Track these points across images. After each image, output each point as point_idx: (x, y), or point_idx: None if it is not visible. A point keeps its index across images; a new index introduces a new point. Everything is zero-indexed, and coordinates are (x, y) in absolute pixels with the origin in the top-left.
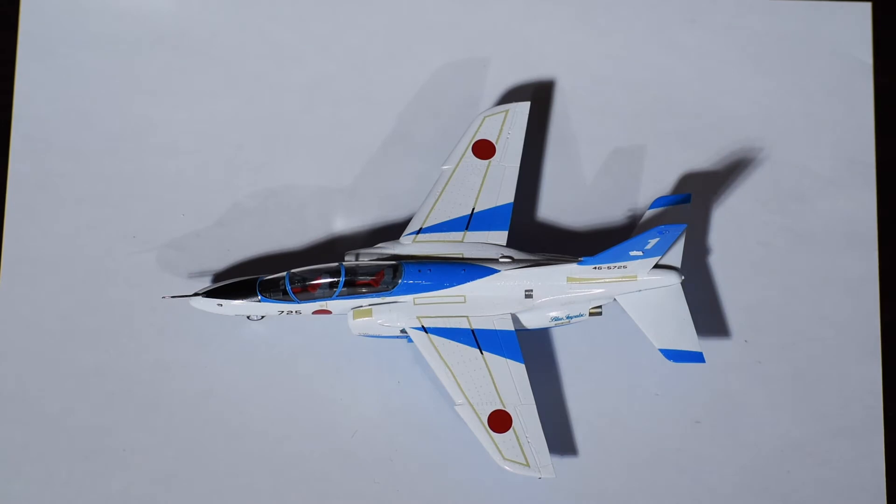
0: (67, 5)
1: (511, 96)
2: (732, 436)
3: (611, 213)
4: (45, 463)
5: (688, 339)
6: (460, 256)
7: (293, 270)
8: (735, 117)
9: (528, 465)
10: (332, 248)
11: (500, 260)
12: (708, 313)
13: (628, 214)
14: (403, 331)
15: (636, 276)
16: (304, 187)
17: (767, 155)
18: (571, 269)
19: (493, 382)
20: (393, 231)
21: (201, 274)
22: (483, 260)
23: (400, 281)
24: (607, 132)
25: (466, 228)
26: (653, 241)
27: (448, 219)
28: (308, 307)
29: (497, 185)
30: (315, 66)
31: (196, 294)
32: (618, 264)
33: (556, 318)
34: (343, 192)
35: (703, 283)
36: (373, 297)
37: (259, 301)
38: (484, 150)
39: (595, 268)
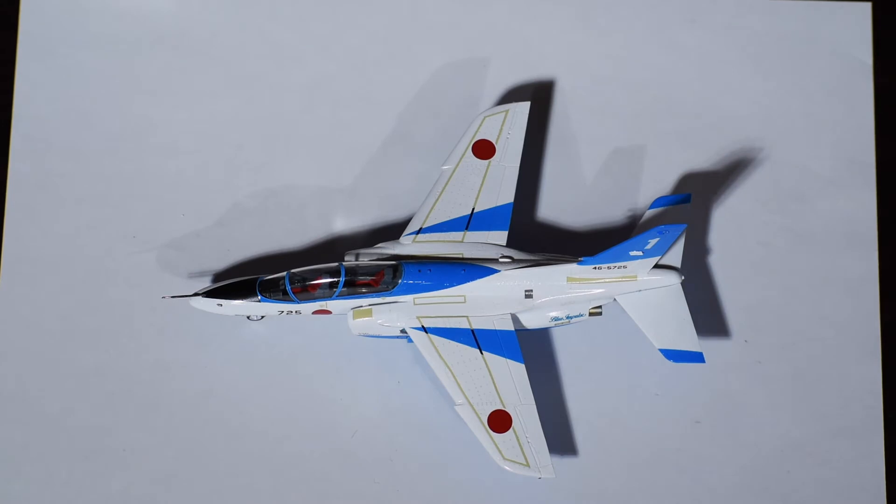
0: (67, 5)
1: (511, 96)
2: (732, 436)
3: (611, 213)
4: (45, 463)
5: (688, 339)
6: (460, 256)
7: (293, 270)
8: (735, 117)
9: (528, 465)
10: (332, 248)
11: (500, 260)
12: (708, 313)
13: (628, 214)
14: (403, 331)
15: (636, 276)
16: (304, 187)
17: (767, 155)
18: (571, 269)
19: (493, 382)
20: (393, 231)
21: (201, 274)
22: (483, 260)
23: (400, 281)
24: (607, 132)
25: (466, 228)
26: (653, 241)
27: (448, 219)
28: (308, 307)
29: (497, 185)
30: (315, 66)
31: (196, 294)
32: (618, 264)
33: (556, 318)
34: (343, 192)
35: (703, 283)
36: (373, 297)
37: (259, 301)
38: (484, 150)
39: (595, 268)
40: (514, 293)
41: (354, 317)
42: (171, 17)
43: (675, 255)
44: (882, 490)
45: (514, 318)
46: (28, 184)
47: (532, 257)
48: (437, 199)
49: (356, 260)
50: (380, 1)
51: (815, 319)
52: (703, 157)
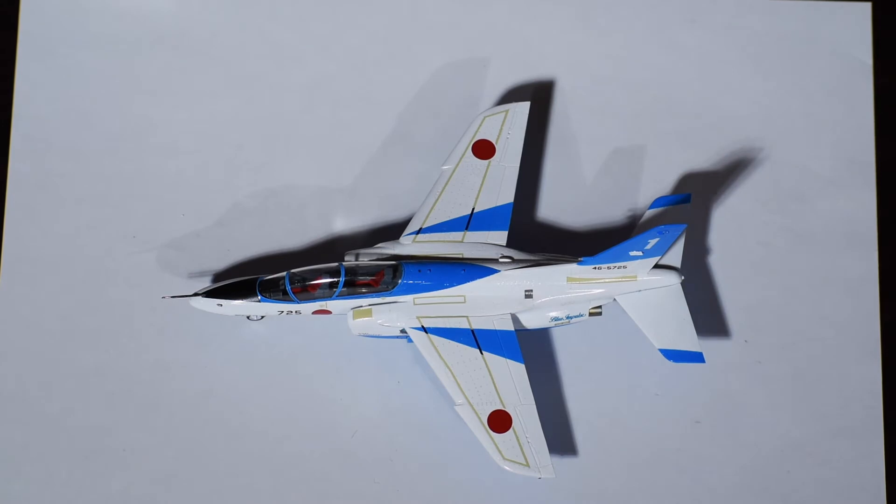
0: (67, 5)
1: (511, 96)
2: (732, 436)
3: (611, 213)
4: (45, 463)
5: (688, 339)
6: (460, 256)
7: (293, 270)
8: (735, 117)
9: (527, 465)
10: (332, 248)
11: (500, 260)
12: (708, 313)
13: (628, 214)
14: (403, 331)
15: (636, 276)
16: (304, 187)
17: (767, 155)
18: (571, 269)
19: (493, 382)
20: (393, 231)
21: (201, 274)
22: (483, 260)
23: (400, 281)
24: (607, 132)
25: (466, 228)
26: (653, 241)
27: (448, 219)
28: (308, 307)
29: (497, 185)
30: (315, 66)
31: (196, 294)
32: (618, 264)
33: (556, 318)
34: (343, 192)
35: (703, 283)
36: (373, 297)
37: (259, 301)
38: (484, 150)
39: (595, 268)
40: (514, 293)
41: (354, 317)
42: (171, 17)
43: (675, 255)
44: (882, 490)
45: (514, 318)
46: (28, 184)
47: (532, 257)
48: (437, 199)
49: (356, 260)
50: (380, 1)
51: (815, 319)
52: (703, 157)
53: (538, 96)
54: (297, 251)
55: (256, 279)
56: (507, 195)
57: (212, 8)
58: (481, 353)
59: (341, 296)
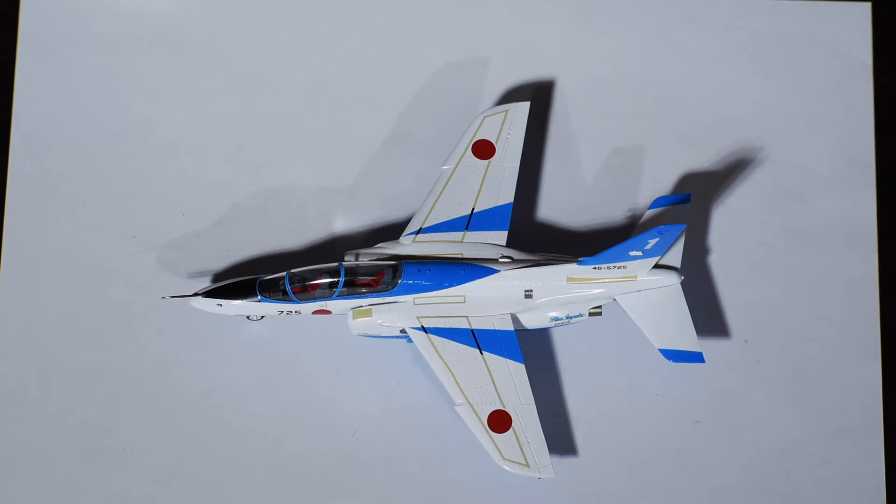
0: (67, 5)
1: (511, 96)
2: (732, 436)
3: (611, 213)
4: (45, 463)
5: (688, 339)
6: (460, 256)
7: (293, 270)
8: (735, 117)
9: (527, 465)
10: (332, 248)
11: (500, 260)
12: (708, 313)
13: (628, 214)
14: (403, 331)
15: (636, 276)
16: (304, 187)
17: (767, 155)
18: (571, 269)
19: (493, 382)
20: (393, 231)
21: (201, 274)
22: (483, 260)
23: (400, 281)
24: (607, 132)
25: (466, 228)
26: (652, 241)
27: (448, 219)
28: (308, 307)
29: (497, 185)
30: (315, 66)
31: (196, 294)
32: (618, 264)
33: (556, 318)
34: (343, 192)
35: (703, 283)
36: (373, 297)
37: (259, 301)
38: (484, 150)
39: (595, 268)
40: (513, 293)
41: (354, 317)
42: (171, 17)
43: (674, 255)
44: (882, 490)
45: (514, 318)
46: (28, 184)
47: (532, 257)
48: (437, 199)
49: (356, 260)
50: (380, 1)
51: (815, 319)
52: (703, 157)
53: (538, 96)
54: (297, 251)
55: (256, 279)
56: (507, 195)
57: (212, 8)
58: (481, 353)
59: (341, 296)
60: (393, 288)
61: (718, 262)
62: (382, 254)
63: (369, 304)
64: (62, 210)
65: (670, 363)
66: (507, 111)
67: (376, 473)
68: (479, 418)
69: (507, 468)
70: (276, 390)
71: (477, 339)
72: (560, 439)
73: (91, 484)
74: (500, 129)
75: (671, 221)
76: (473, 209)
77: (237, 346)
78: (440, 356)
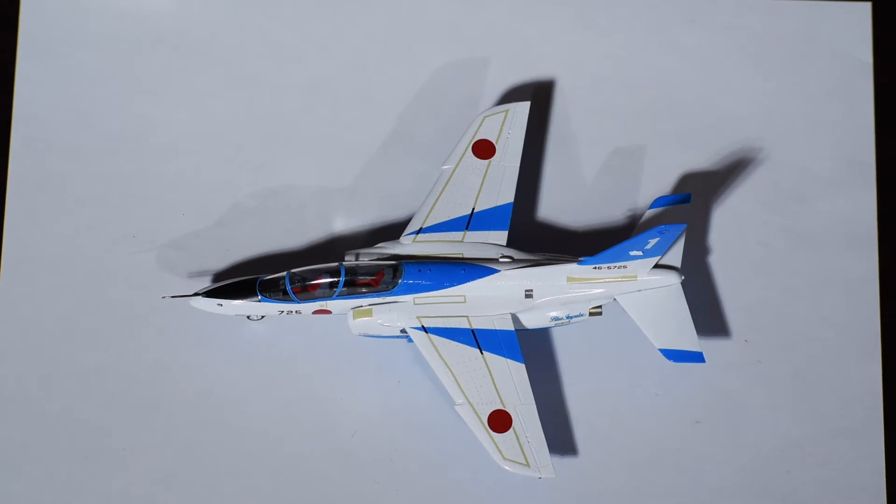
0: (67, 5)
1: (511, 96)
2: (732, 436)
3: (611, 213)
4: (45, 463)
5: (688, 339)
6: (460, 256)
7: (293, 270)
8: (735, 117)
9: (528, 465)
10: (332, 248)
11: (500, 260)
12: (708, 313)
13: (628, 214)
14: (403, 331)
15: (636, 276)
16: (304, 187)
17: (767, 155)
18: (571, 269)
19: (493, 382)
20: (393, 231)
21: (201, 274)
22: (483, 260)
23: (400, 281)
24: (607, 132)
25: (466, 228)
26: (653, 241)
27: (448, 219)
28: (308, 307)
29: (497, 184)
30: (315, 66)
31: (196, 294)
32: (618, 264)
33: (556, 318)
34: (343, 192)
35: (703, 283)
36: (373, 297)
37: (259, 301)
38: (484, 149)
39: (595, 268)
40: (514, 293)
41: (354, 317)
42: (171, 17)
43: (675, 255)
44: (882, 490)
45: (514, 318)
46: (28, 184)
47: (532, 257)
48: (437, 199)
49: (356, 260)
50: (380, 1)
51: (815, 319)
52: (703, 157)
53: (538, 96)
54: (297, 251)
55: (256, 279)
56: (507, 195)
57: (212, 8)
58: (481, 353)
59: (341, 296)
60: (393, 288)
61: (718, 262)
62: (383, 254)
63: (369, 304)
64: (62, 210)
65: (670, 363)
66: (507, 111)
67: (376, 473)
68: (480, 418)
69: (507, 468)
70: (276, 390)
71: (477, 338)
72: (560, 439)
73: (91, 484)
74: (501, 129)
75: (671, 221)
76: (474, 209)
77: (237, 346)
78: (440, 356)
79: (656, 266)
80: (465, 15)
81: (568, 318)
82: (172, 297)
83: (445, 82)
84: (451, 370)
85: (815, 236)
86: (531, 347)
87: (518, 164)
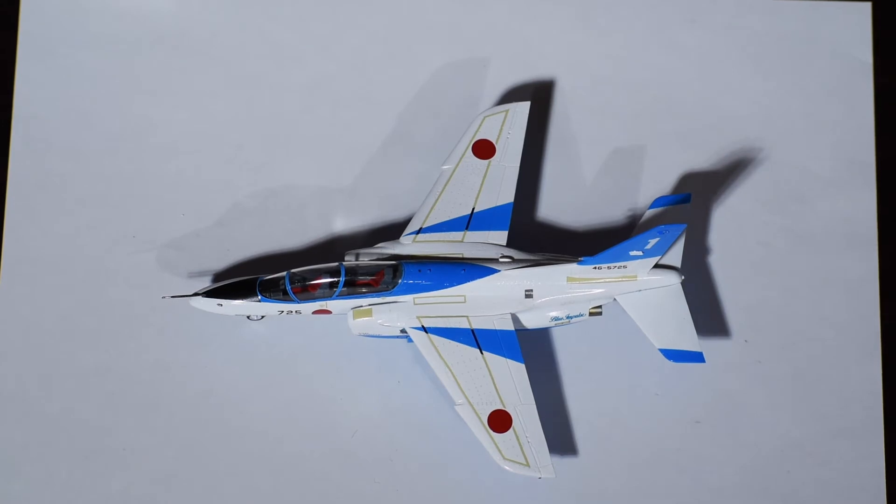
0: (67, 5)
1: (511, 96)
2: (732, 436)
3: (611, 213)
4: (45, 463)
5: (688, 339)
6: (460, 256)
7: (293, 270)
8: (735, 117)
9: (528, 465)
10: (332, 248)
11: (500, 260)
12: (708, 313)
13: (628, 214)
14: (403, 331)
15: (636, 276)
16: (304, 187)
17: (767, 155)
18: (571, 269)
19: (493, 382)
20: (393, 231)
21: (201, 274)
22: (483, 260)
23: (400, 281)
24: (607, 132)
25: (466, 228)
26: (653, 241)
27: (448, 219)
28: (308, 307)
29: (497, 184)
30: (315, 66)
31: (196, 294)
32: (618, 264)
33: (556, 318)
34: (343, 192)
35: (703, 283)
36: (373, 297)
37: (259, 301)
38: (484, 149)
39: (595, 268)
40: (514, 293)
41: (354, 317)
42: (171, 17)
43: (675, 255)
44: (882, 490)
45: (514, 318)
46: (28, 184)
47: (532, 257)
48: (437, 199)
49: (356, 260)
50: (380, 1)
51: (815, 319)
52: (703, 157)
53: (538, 96)
54: (297, 251)
55: (256, 279)
56: (507, 195)
57: (212, 8)
58: (481, 353)
59: (341, 296)
60: (393, 288)
61: (718, 262)
62: (382, 254)
63: (369, 304)
64: (62, 210)
65: (670, 363)
66: (507, 111)
67: (376, 473)
68: (480, 418)
69: (507, 468)
70: (276, 390)
71: (477, 338)
72: (560, 439)
73: (91, 484)
74: (501, 129)
75: (671, 221)
76: (474, 209)
77: (237, 346)
78: (440, 356)
79: (656, 266)
80: (465, 15)
81: (568, 318)
82: (172, 297)
83: (445, 82)
84: (451, 370)
85: (815, 236)
86: (531, 347)
87: (518, 164)
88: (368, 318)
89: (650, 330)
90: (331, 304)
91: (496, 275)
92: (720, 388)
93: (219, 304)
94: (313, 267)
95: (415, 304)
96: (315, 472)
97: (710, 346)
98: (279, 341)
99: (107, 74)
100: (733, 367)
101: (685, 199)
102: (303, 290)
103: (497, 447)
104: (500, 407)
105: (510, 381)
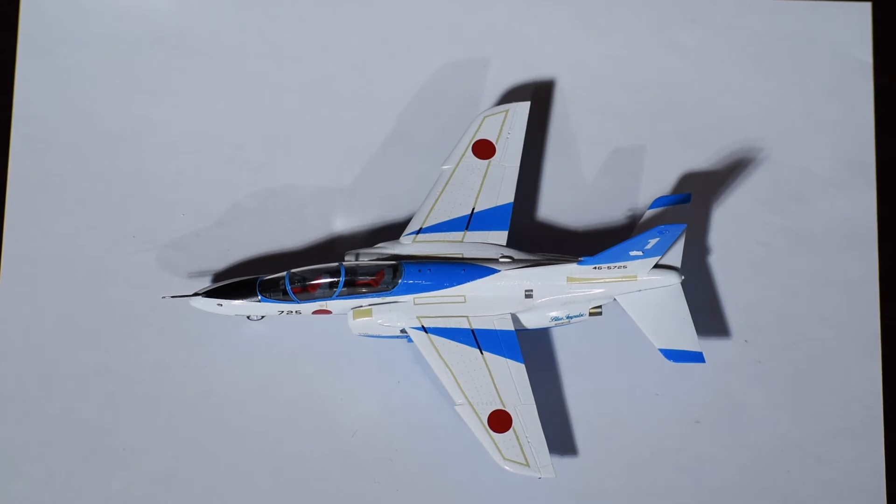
0: (67, 5)
1: (511, 96)
2: (732, 436)
3: (611, 213)
4: (45, 463)
5: (688, 339)
6: (460, 256)
7: (293, 270)
8: (735, 117)
9: (528, 465)
10: (332, 248)
11: (500, 260)
12: (708, 313)
13: (628, 214)
14: (403, 331)
15: (636, 276)
16: (304, 187)
17: (767, 155)
18: (571, 269)
19: (493, 382)
20: (393, 231)
21: (201, 274)
22: (483, 260)
23: (400, 281)
24: (607, 132)
25: (466, 228)
26: (653, 241)
27: (448, 219)
28: (308, 307)
29: (497, 184)
30: (315, 66)
31: (196, 294)
32: (618, 264)
33: (556, 318)
34: (343, 192)
35: (703, 283)
36: (373, 297)
37: (259, 301)
38: (484, 149)
39: (595, 268)
40: (514, 293)
41: (354, 317)
42: (171, 17)
43: (675, 255)
44: (882, 490)
45: (514, 318)
46: (28, 184)
47: (532, 257)
48: (437, 199)
49: (356, 260)
50: (380, 1)
51: (815, 319)
52: (703, 157)
53: (538, 96)
54: (297, 251)
55: (256, 279)
56: (507, 195)
57: (212, 8)
58: (481, 353)
59: (341, 296)
60: (393, 288)
61: (718, 262)
62: (382, 254)
63: (369, 304)
64: (62, 210)
65: (670, 363)
66: (507, 111)
67: (376, 473)
68: (480, 418)
69: (507, 468)
70: (276, 390)
71: (477, 338)
72: (560, 439)
73: (91, 484)
74: (501, 129)
75: (671, 221)
76: (474, 209)
77: (237, 346)
78: (440, 356)
79: (656, 266)
80: (465, 15)
81: (568, 318)
82: (172, 297)
83: (445, 82)
84: (451, 370)
85: (815, 236)
86: (531, 347)
87: (518, 164)
88: (368, 318)
89: (650, 330)
90: (331, 304)
91: (496, 275)
92: (720, 388)
93: (219, 304)
94: (313, 267)
95: (415, 304)
96: (315, 472)
97: (710, 346)
98: (279, 341)
99: (107, 74)
100: (733, 367)
101: (685, 199)
102: (303, 290)
103: (497, 447)
104: (500, 407)
105: (510, 381)
